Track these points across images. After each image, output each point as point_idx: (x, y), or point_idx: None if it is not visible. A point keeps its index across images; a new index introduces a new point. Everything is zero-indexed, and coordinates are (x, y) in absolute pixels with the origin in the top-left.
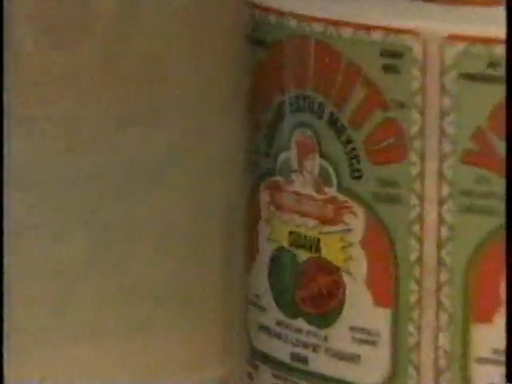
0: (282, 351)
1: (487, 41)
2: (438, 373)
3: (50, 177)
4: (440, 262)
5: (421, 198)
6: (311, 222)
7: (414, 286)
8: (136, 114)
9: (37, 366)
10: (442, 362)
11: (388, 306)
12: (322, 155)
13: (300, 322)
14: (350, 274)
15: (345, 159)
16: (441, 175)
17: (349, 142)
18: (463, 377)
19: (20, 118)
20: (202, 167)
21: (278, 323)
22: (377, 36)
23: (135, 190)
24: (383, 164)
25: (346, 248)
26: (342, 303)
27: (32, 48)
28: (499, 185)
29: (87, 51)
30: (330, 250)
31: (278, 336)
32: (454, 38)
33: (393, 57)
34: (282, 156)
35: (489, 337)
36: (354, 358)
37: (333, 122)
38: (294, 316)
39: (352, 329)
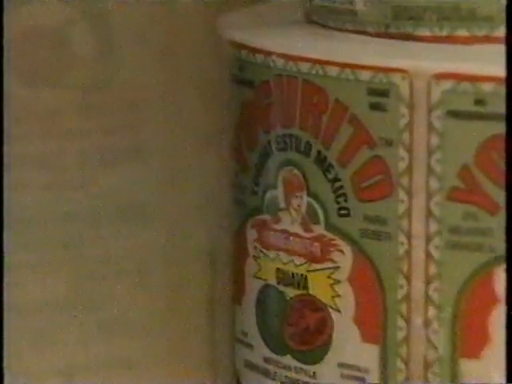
0: None
1: (474, 78)
2: None
3: (31, 212)
4: (428, 298)
5: (408, 234)
6: (299, 260)
7: (401, 323)
8: (119, 152)
9: None
10: None
11: (376, 343)
12: (309, 193)
13: (288, 359)
14: (337, 310)
15: (332, 197)
16: (428, 212)
17: (336, 179)
18: None
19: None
20: (185, 206)
21: (266, 360)
22: (363, 75)
23: (117, 226)
24: (370, 201)
25: (334, 285)
26: (330, 340)
27: (15, 85)
28: (486, 221)
29: (70, 89)
30: (318, 288)
31: (266, 373)
32: (441, 75)
33: (380, 95)
34: (269, 194)
35: (478, 372)
36: None
37: (320, 160)
38: (282, 353)
39: (341, 365)
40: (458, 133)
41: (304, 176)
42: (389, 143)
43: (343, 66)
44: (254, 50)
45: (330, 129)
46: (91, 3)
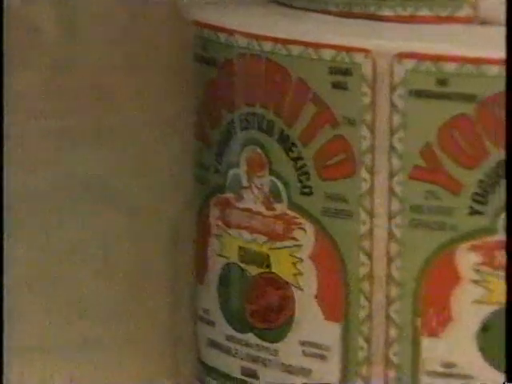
0: (231, 366)
1: (436, 58)
2: None
3: None
4: (390, 277)
5: (370, 213)
6: (261, 238)
7: (363, 301)
8: (82, 133)
9: None
10: (392, 375)
11: (338, 321)
12: (271, 172)
13: (250, 337)
14: (300, 288)
15: (295, 175)
16: (390, 191)
17: (299, 158)
18: None
19: None
20: (148, 185)
21: (228, 338)
22: (326, 54)
23: (80, 207)
24: (333, 180)
25: (296, 263)
26: (292, 317)
27: None
28: (448, 200)
29: (33, 70)
30: (280, 265)
31: (228, 351)
32: (403, 55)
33: (342, 74)
34: (232, 173)
35: (438, 350)
36: (304, 372)
37: (283, 139)
38: (244, 331)
39: (302, 343)
40: (420, 112)
41: (267, 155)
42: (351, 122)
43: (306, 44)
44: (217, 29)
45: (293, 108)
46: None
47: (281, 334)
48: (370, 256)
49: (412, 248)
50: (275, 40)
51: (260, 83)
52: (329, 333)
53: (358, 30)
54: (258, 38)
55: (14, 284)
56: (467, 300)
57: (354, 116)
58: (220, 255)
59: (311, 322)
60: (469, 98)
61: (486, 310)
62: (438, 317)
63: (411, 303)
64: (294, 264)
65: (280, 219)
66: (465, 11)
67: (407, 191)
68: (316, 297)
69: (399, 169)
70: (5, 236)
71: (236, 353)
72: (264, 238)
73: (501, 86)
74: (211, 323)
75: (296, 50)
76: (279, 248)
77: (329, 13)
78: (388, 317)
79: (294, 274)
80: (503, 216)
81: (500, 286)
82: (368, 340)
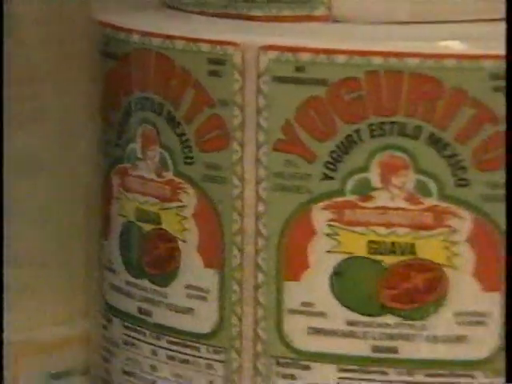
0: (130, 306)
1: (294, 50)
2: (257, 322)
3: None
4: (258, 231)
5: (241, 179)
6: (153, 200)
7: (236, 252)
8: (22, 116)
9: None
10: (260, 313)
11: (216, 268)
12: (161, 146)
13: (145, 282)
14: (184, 241)
15: (179, 148)
16: (257, 160)
17: (183, 134)
18: (277, 325)
19: None
20: (70, 158)
21: (127, 283)
22: (204, 47)
23: (20, 176)
24: (210, 151)
25: (182, 220)
26: (178, 266)
27: None
28: (304, 167)
29: None
30: (169, 223)
31: (127, 294)
32: (267, 47)
33: (217, 64)
34: (129, 147)
35: (297, 292)
36: (188, 311)
37: (170, 118)
38: (140, 277)
39: (187, 287)
40: (281, 95)
41: (157, 132)
42: (225, 104)
43: (188, 40)
44: (117, 28)
45: (178, 92)
46: None
47: (169, 280)
48: (241, 214)
49: (275, 208)
50: (163, 36)
51: (151, 72)
52: (208, 278)
53: (230, 27)
54: (149, 35)
55: None
56: (321, 250)
57: (227, 98)
58: (120, 215)
59: (193, 269)
60: (321, 82)
61: (337, 258)
62: (298, 264)
63: (275, 253)
64: (180, 221)
65: (168, 184)
66: (320, 11)
67: (271, 160)
68: (197, 248)
69: (264, 142)
70: None
71: (133, 295)
72: (155, 200)
73: (347, 72)
74: (113, 271)
75: (180, 44)
76: (168, 208)
77: (208, 14)
78: (256, 264)
79: (180, 230)
80: (350, 180)
81: (348, 239)
82: (240, 284)
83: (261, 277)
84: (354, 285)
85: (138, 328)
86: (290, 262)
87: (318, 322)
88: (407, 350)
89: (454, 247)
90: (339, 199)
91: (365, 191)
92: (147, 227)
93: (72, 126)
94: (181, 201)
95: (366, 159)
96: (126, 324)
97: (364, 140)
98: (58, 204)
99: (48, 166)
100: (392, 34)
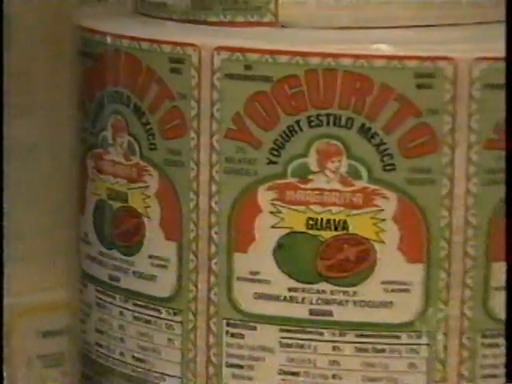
0: (102, 273)
1: (243, 50)
2: (210, 288)
3: None
4: (211, 209)
5: (197, 163)
6: (122, 181)
7: (192, 226)
8: (17, 108)
9: None
10: (213, 280)
11: (175, 241)
12: (129, 133)
13: (114, 253)
14: (148, 217)
15: (145, 136)
16: (211, 147)
17: (147, 123)
18: (227, 290)
19: None
20: (56, 144)
21: (100, 253)
22: (166, 48)
23: (16, 160)
24: (171, 139)
25: (146, 199)
26: (142, 239)
27: None
28: (251, 153)
29: None
30: (135, 201)
31: (100, 263)
32: (220, 48)
33: (178, 62)
34: (102, 134)
35: (245, 262)
36: (151, 278)
37: (136, 109)
38: (111, 248)
39: (150, 256)
40: (232, 89)
41: (126, 121)
42: (183, 97)
43: (152, 41)
44: (94, 31)
45: (143, 87)
46: None
47: (135, 250)
48: (196, 194)
49: (226, 188)
50: (131, 38)
51: (121, 70)
52: (168, 249)
53: (190, 31)
54: (120, 37)
55: None
56: (266, 226)
57: (186, 92)
58: (94, 193)
59: (156, 242)
60: (266, 79)
61: (280, 233)
62: (245, 238)
63: (226, 228)
64: (144, 200)
65: (134, 167)
66: (268, 18)
67: (223, 146)
68: (159, 223)
69: (217, 130)
70: None
71: (105, 264)
72: (124, 181)
73: (289, 70)
74: (88, 243)
75: (145, 45)
76: (134, 188)
77: (171, 19)
78: (210, 237)
79: (144, 207)
80: (291, 165)
81: (289, 216)
82: (196, 255)
83: (213, 248)
84: (294, 256)
85: (109, 292)
86: (239, 235)
87: (262, 289)
88: (340, 314)
89: (381, 224)
90: (281, 181)
91: (304, 174)
92: (117, 204)
93: (58, 116)
94: (145, 182)
95: (305, 146)
96: (98, 289)
97: (303, 130)
98: (48, 184)
99: (38, 151)
100: (329, 37)
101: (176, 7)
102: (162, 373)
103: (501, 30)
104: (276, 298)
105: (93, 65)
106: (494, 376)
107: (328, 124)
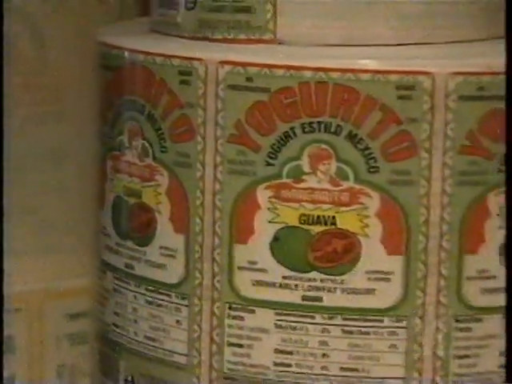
0: (119, 262)
1: (245, 64)
2: (215, 275)
3: None
4: (215, 205)
5: (203, 164)
6: (136, 180)
7: (198, 221)
8: (49, 114)
9: None
10: (216, 269)
11: (183, 233)
12: (143, 138)
13: (130, 243)
14: (159, 212)
15: (157, 140)
16: (216, 150)
17: (159, 129)
18: (229, 278)
19: None
20: (84, 149)
21: (117, 244)
22: (176, 62)
23: (46, 164)
24: (180, 143)
25: (157, 196)
26: (154, 231)
27: None
28: (251, 156)
29: (17, 74)
30: (148, 198)
31: (117, 252)
32: (224, 62)
33: (186, 75)
34: (119, 138)
35: (245, 253)
36: (162, 267)
37: (150, 116)
38: (126, 239)
39: (161, 247)
40: (234, 99)
41: (140, 127)
42: (191, 106)
43: (164, 56)
44: (114, 47)
45: (156, 96)
46: (29, 17)
47: (147, 242)
48: (202, 192)
49: (229, 187)
50: (146, 53)
51: (136, 81)
52: (177, 241)
53: (197, 47)
54: (136, 52)
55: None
56: (264, 220)
57: (193, 102)
58: (112, 191)
59: (166, 234)
60: (265, 90)
61: (276, 227)
62: (245, 231)
63: (228, 222)
64: (156, 196)
65: (147, 168)
66: (267, 36)
67: (226, 150)
68: (169, 217)
69: (221, 136)
70: None
71: (121, 253)
72: (138, 180)
73: (285, 82)
74: (107, 235)
75: (158, 59)
76: (147, 186)
77: (181, 37)
78: (214, 231)
79: (156, 203)
80: (286, 167)
81: (284, 212)
82: (201, 246)
83: (217, 240)
84: (288, 248)
85: (124, 279)
86: (240, 229)
87: (260, 276)
88: (329, 300)
89: (366, 220)
90: (278, 181)
91: (297, 175)
92: (132, 201)
93: (85, 123)
94: (157, 181)
95: (298, 150)
96: (115, 276)
97: (297, 135)
98: (78, 184)
99: (70, 157)
100: (321, 53)
101: (186, 26)
102: (170, 350)
103: (475, 48)
104: (272, 285)
105: (112, 76)
106: (466, 356)
107: (319, 131)
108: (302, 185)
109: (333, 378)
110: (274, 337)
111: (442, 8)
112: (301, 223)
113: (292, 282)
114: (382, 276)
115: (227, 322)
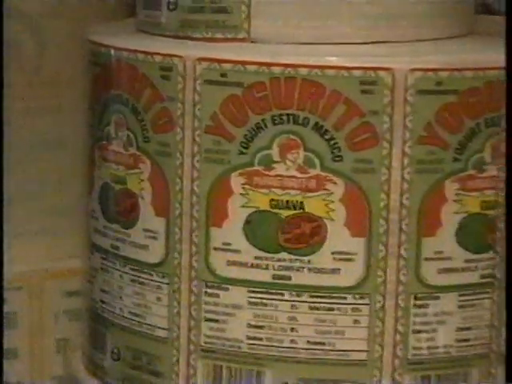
0: (106, 244)
1: (220, 61)
2: (192, 255)
3: None
4: (192, 191)
5: (182, 153)
6: (121, 168)
7: (177, 205)
8: (48, 107)
9: None
10: (194, 250)
11: (163, 216)
12: (128, 129)
13: (116, 226)
14: (142, 197)
15: (140, 131)
16: (193, 140)
17: (142, 120)
18: (205, 258)
19: None
20: (73, 136)
21: (104, 227)
22: (157, 58)
23: (45, 153)
24: (161, 133)
25: (140, 182)
26: (138, 215)
27: None
28: (226, 145)
29: (20, 74)
30: (132, 184)
31: (104, 234)
32: (201, 59)
33: (167, 70)
34: (106, 129)
35: (220, 235)
36: (144, 247)
37: (133, 109)
38: (112, 222)
39: (144, 230)
40: (210, 93)
41: (125, 118)
42: (171, 99)
43: (147, 53)
44: (101, 45)
45: (139, 91)
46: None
47: (132, 224)
48: (181, 178)
49: (205, 174)
50: (130, 51)
51: (121, 76)
52: (158, 224)
53: (177, 45)
54: (121, 49)
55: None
56: (237, 205)
57: (173, 95)
58: (100, 178)
59: (148, 217)
60: (238, 84)
61: (248, 211)
62: (220, 215)
63: (205, 207)
64: (139, 183)
65: (132, 156)
66: (242, 35)
67: (203, 140)
68: (151, 202)
69: (198, 127)
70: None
71: (108, 235)
72: (123, 168)
73: (257, 78)
74: (95, 218)
75: (141, 56)
76: (131, 174)
77: (165, 36)
78: (192, 215)
79: (139, 189)
80: (258, 155)
81: (255, 197)
82: (180, 228)
83: (194, 223)
84: (259, 230)
85: (111, 259)
86: (215, 213)
87: (234, 257)
88: (297, 278)
89: (331, 205)
90: (250, 169)
91: (268, 163)
92: (117, 187)
93: (80, 115)
94: (140, 168)
95: (269, 140)
96: (102, 256)
97: (268, 127)
98: (74, 170)
99: (68, 145)
100: (290, 51)
101: (168, 26)
102: (152, 325)
103: (433, 46)
104: (245, 265)
105: (99, 72)
106: (424, 331)
107: (288, 122)
108: (272, 172)
109: (301, 350)
110: (247, 312)
111: (404, 9)
112: (271, 208)
113: (263, 262)
114: (346, 256)
115: (204, 298)
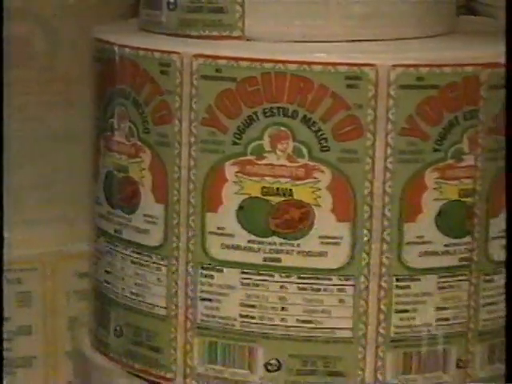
0: (109, 228)
1: (215, 57)
2: (189, 239)
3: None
4: (189, 179)
5: (180, 143)
6: (124, 157)
7: (175, 192)
8: (60, 101)
9: None
10: (190, 234)
11: (162, 203)
12: (130, 120)
13: (118, 212)
14: (143, 185)
15: (141, 123)
16: (190, 131)
17: (143, 113)
18: (201, 242)
19: None
20: (79, 130)
21: (108, 212)
22: (156, 55)
23: (56, 145)
24: (160, 125)
25: (141, 171)
26: (139, 201)
27: None
28: (220, 136)
29: (32, 70)
30: (133, 172)
31: (108, 219)
32: (197, 56)
33: (165, 66)
34: (110, 121)
35: (215, 220)
36: (144, 231)
37: (135, 102)
38: (115, 208)
39: (144, 215)
40: (206, 88)
41: (127, 111)
42: (170, 93)
43: (147, 50)
44: (105, 42)
45: (140, 85)
46: (43, 19)
47: (133, 210)
48: (179, 167)
49: (201, 163)
50: (132, 48)
51: (124, 72)
52: (157, 209)
53: (175, 42)
54: (124, 47)
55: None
56: (231, 192)
57: (172, 89)
58: (104, 166)
59: (148, 203)
60: (232, 79)
61: (241, 198)
62: (215, 201)
63: (201, 193)
64: (140, 171)
65: (133, 147)
66: (236, 33)
67: (199, 131)
68: (151, 189)
69: (194, 119)
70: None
71: (111, 220)
72: (125, 157)
73: (249, 73)
74: (100, 204)
75: (142, 53)
76: (133, 162)
77: (165, 34)
78: (189, 201)
79: (140, 177)
80: (250, 146)
81: (248, 185)
82: (178, 213)
83: (191, 209)
84: (251, 216)
85: (114, 242)
86: (211, 199)
87: (227, 240)
88: (287, 261)
89: (318, 192)
90: (243, 158)
91: (259, 153)
92: (120, 175)
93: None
94: (141, 157)
95: (260, 132)
96: (106, 240)
97: (260, 119)
98: (80, 161)
99: (77, 137)
100: (280, 48)
101: (168, 25)
102: (151, 304)
103: (415, 44)
104: (238, 248)
105: (104, 68)
106: (405, 311)
107: (278, 115)
108: (264, 161)
109: (290, 328)
110: (240, 293)
111: (388, 9)
112: (262, 194)
113: (255, 246)
114: (333, 240)
115: (200, 279)
